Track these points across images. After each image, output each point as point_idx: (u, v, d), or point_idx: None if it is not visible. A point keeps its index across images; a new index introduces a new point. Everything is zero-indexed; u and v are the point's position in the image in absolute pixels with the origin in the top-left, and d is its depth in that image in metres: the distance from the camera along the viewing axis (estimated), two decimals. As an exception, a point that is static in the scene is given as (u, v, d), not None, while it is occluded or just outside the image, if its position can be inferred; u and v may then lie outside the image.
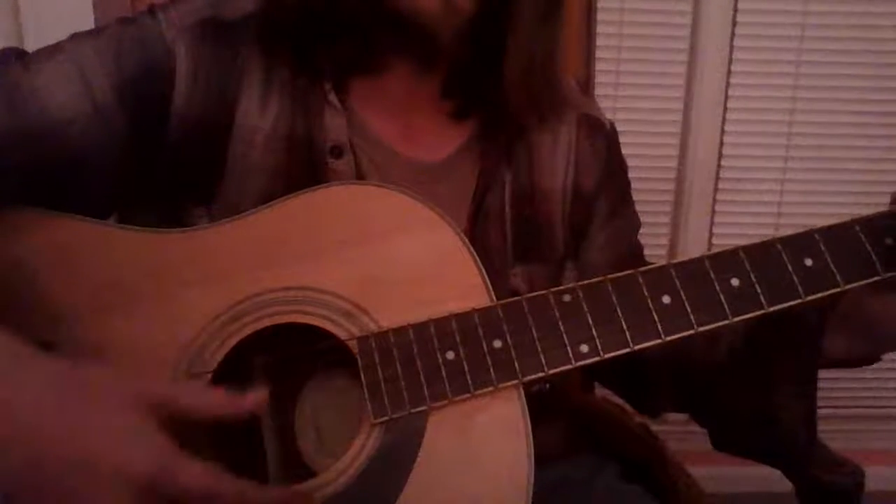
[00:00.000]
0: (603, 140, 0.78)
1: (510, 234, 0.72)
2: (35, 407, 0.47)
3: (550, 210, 0.74)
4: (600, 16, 1.12)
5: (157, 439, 0.48)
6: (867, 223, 0.59)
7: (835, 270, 0.58)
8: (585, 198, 0.76)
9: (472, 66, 0.69)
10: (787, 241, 0.59)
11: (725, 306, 0.58)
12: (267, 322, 0.59)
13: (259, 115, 0.66)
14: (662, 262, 0.60)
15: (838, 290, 0.58)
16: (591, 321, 0.58)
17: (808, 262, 0.58)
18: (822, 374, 0.65)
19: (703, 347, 0.70)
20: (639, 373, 0.75)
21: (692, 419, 0.76)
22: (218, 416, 0.52)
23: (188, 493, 0.48)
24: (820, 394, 0.65)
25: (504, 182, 0.72)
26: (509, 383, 0.57)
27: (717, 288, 0.58)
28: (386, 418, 0.56)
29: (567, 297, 0.59)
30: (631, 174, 0.82)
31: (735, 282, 0.58)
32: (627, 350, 0.57)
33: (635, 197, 0.83)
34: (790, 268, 0.58)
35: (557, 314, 0.58)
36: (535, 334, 0.58)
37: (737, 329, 0.67)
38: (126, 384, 0.50)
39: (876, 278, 0.58)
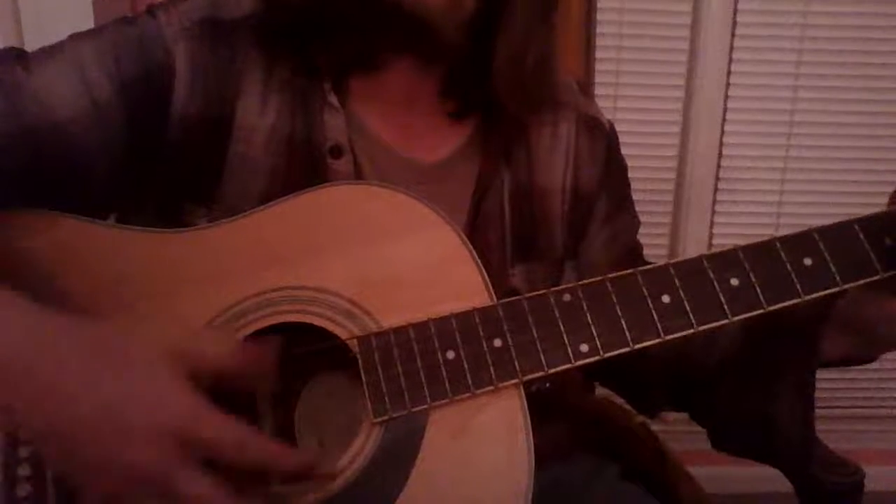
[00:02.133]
0: (602, 140, 0.78)
1: (509, 233, 0.72)
2: (60, 367, 0.48)
3: (549, 209, 0.74)
4: (600, 16, 1.13)
5: (187, 392, 0.49)
6: (867, 223, 0.59)
7: (834, 270, 0.58)
8: (585, 198, 0.76)
9: (471, 64, 0.69)
10: (787, 240, 0.59)
11: (725, 306, 0.58)
12: (267, 322, 0.59)
13: (258, 115, 0.66)
14: (662, 261, 0.61)
15: (837, 289, 0.58)
16: (590, 320, 0.58)
17: (808, 261, 0.58)
18: (823, 374, 0.65)
19: (701, 346, 0.70)
20: (637, 372, 0.75)
21: (691, 418, 0.76)
22: (237, 366, 0.53)
23: (217, 446, 0.49)
24: (820, 394, 0.65)
25: (503, 182, 0.72)
26: (509, 382, 0.57)
27: (717, 287, 0.58)
28: (386, 418, 0.56)
29: (567, 297, 0.59)
30: (631, 174, 0.82)
31: (734, 281, 0.58)
32: (627, 349, 0.57)
33: (635, 197, 0.83)
34: (789, 267, 0.58)
35: (557, 313, 0.58)
36: (535, 334, 0.58)
37: (735, 328, 0.67)
38: (152, 339, 0.51)
39: (875, 278, 0.58)
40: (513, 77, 0.67)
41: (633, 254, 0.81)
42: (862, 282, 0.58)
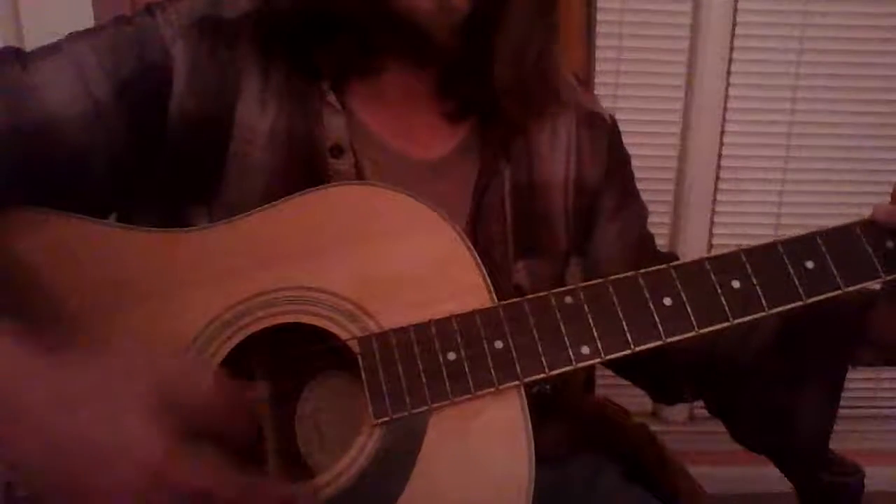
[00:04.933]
0: (604, 134, 0.78)
1: (511, 229, 0.72)
2: (37, 411, 0.47)
3: (551, 204, 0.74)
4: (600, 16, 1.12)
5: (160, 436, 0.48)
6: (868, 225, 0.60)
7: (835, 272, 0.58)
8: (590, 192, 0.76)
9: (467, 64, 0.69)
10: (788, 243, 0.59)
11: (726, 308, 0.58)
12: (268, 322, 0.59)
13: (258, 115, 0.66)
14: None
15: (839, 291, 0.58)
16: (592, 322, 0.58)
17: (809, 264, 0.59)
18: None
19: (736, 340, 0.70)
20: (664, 363, 0.74)
21: (709, 409, 0.76)
22: (218, 411, 0.52)
23: (191, 491, 0.48)
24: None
25: (504, 178, 0.72)
26: (510, 384, 0.57)
27: (718, 290, 0.58)
28: (387, 419, 0.56)
29: (568, 299, 0.59)
30: (631, 171, 0.82)
31: (736, 283, 0.58)
32: (629, 352, 0.58)
33: (635, 196, 0.83)
34: (791, 270, 0.58)
35: (559, 315, 0.58)
36: (536, 335, 0.58)
37: (771, 326, 0.67)
38: (130, 379, 0.50)
39: (877, 280, 0.58)
40: (512, 78, 0.67)
41: (645, 244, 0.81)
42: (864, 284, 0.58)
